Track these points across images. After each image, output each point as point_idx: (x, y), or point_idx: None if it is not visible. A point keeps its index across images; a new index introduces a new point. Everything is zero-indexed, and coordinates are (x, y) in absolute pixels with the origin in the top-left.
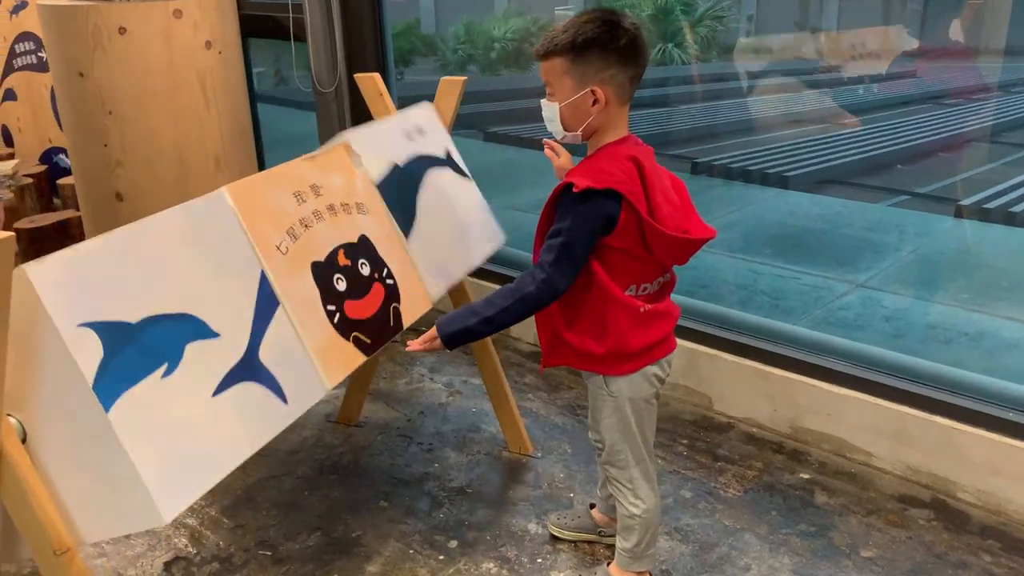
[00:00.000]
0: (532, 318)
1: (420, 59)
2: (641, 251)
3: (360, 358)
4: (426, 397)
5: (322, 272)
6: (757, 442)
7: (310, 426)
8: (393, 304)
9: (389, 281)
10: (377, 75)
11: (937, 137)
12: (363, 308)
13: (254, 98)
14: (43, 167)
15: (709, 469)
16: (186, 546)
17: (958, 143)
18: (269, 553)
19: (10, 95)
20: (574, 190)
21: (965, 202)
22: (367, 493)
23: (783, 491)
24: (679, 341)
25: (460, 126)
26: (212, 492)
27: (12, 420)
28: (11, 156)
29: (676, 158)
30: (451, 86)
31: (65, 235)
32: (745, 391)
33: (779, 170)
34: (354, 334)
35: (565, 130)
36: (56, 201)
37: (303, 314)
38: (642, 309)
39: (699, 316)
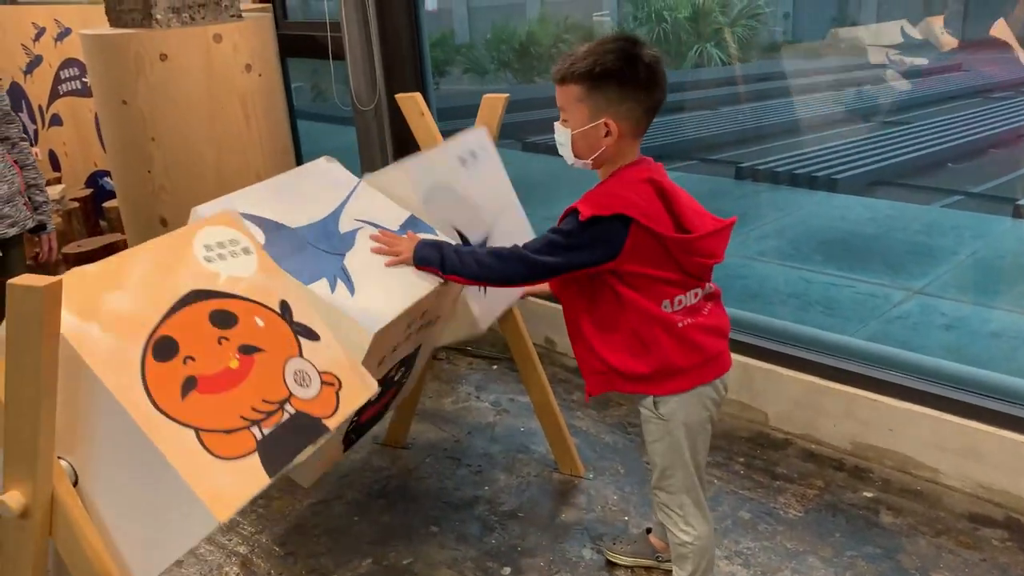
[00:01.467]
0: (569, 342)
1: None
2: (664, 271)
3: (339, 458)
4: (473, 416)
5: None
6: (816, 459)
7: (358, 449)
8: (392, 401)
9: (404, 381)
10: (418, 95)
11: (989, 133)
12: (372, 411)
13: (293, 115)
14: (89, 191)
15: (768, 488)
16: (238, 574)
17: (1011, 138)
18: None
19: (56, 120)
20: (580, 218)
21: (1022, 201)
22: (417, 518)
23: (846, 511)
24: (732, 356)
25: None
26: (263, 519)
27: (63, 463)
28: (58, 180)
29: (719, 163)
30: (493, 104)
31: None
32: (802, 406)
33: (827, 172)
34: (350, 436)
35: (576, 157)
36: (103, 224)
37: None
38: (681, 324)
39: (752, 329)
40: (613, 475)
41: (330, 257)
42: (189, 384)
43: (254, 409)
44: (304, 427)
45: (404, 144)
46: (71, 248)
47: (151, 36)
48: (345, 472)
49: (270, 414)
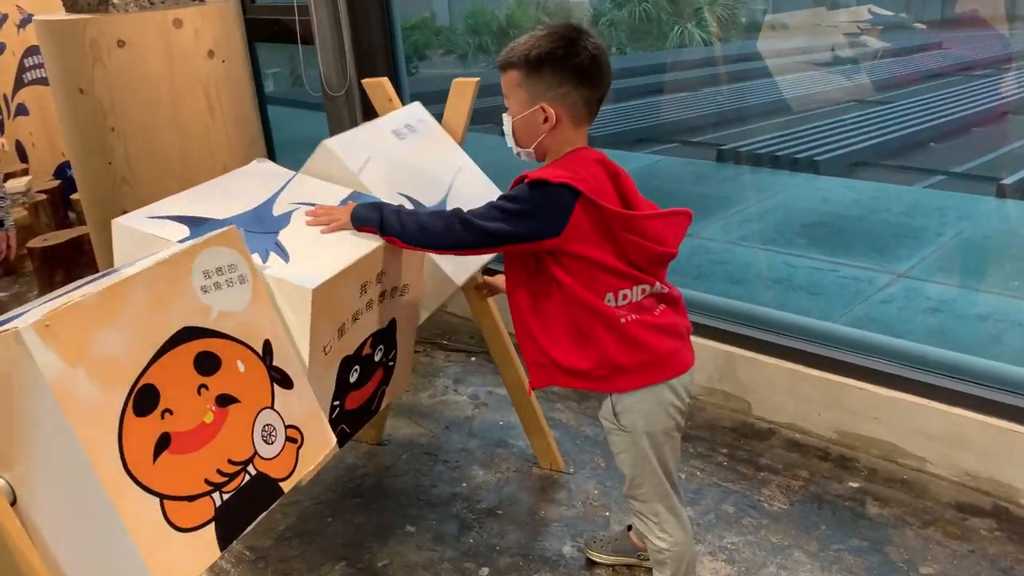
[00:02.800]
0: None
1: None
2: (608, 257)
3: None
4: (451, 410)
5: (345, 365)
6: (801, 449)
7: None
8: (383, 388)
9: (391, 364)
10: (386, 80)
11: (969, 112)
12: (360, 397)
13: (264, 101)
14: (56, 182)
15: (752, 480)
16: None
17: (993, 117)
18: None
19: (22, 110)
20: (527, 181)
21: (1008, 180)
22: (392, 518)
23: (832, 502)
24: (714, 344)
25: (476, 121)
26: None
27: (0, 480)
28: (25, 172)
29: (699, 145)
30: (463, 88)
31: (79, 252)
32: (786, 395)
33: (808, 154)
34: (341, 426)
35: (518, 146)
36: (71, 216)
37: None
38: (623, 320)
39: (734, 316)
40: (594, 469)
41: (262, 236)
42: (163, 443)
43: (219, 472)
44: (260, 492)
45: None
46: (37, 242)
47: (108, 21)
48: (318, 471)
49: (233, 476)
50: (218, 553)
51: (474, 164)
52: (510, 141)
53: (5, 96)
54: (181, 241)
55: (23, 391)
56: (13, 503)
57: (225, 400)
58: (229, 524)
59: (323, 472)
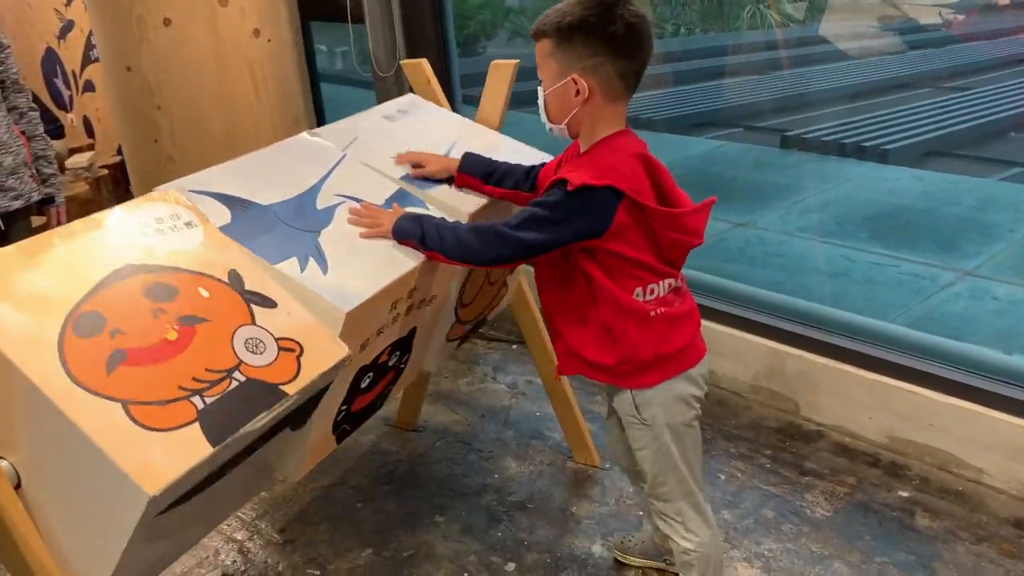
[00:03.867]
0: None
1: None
2: (645, 254)
3: (330, 450)
4: (488, 399)
5: (360, 374)
6: (849, 453)
7: (367, 430)
8: (390, 388)
9: (402, 367)
10: (424, 61)
11: None
12: (367, 399)
13: (316, 80)
14: (119, 158)
15: (795, 484)
16: (234, 562)
17: None
18: (317, 572)
19: (89, 87)
20: (568, 187)
21: None
22: (422, 506)
23: (879, 511)
24: (762, 341)
25: (514, 102)
26: (264, 503)
27: (3, 463)
28: (91, 147)
29: (764, 131)
30: (501, 70)
31: None
32: (837, 396)
33: (877, 142)
34: (343, 427)
35: (551, 121)
36: (132, 191)
37: (318, 419)
38: (652, 313)
39: (785, 312)
40: None
41: (303, 235)
42: (116, 357)
43: (195, 379)
44: (257, 395)
45: None
46: None
47: (154, 0)
48: (352, 456)
49: (214, 383)
50: (208, 448)
51: (479, 127)
52: (542, 115)
53: (74, 72)
54: (222, 228)
55: None
56: (18, 486)
57: (190, 320)
58: (218, 424)
59: (357, 457)
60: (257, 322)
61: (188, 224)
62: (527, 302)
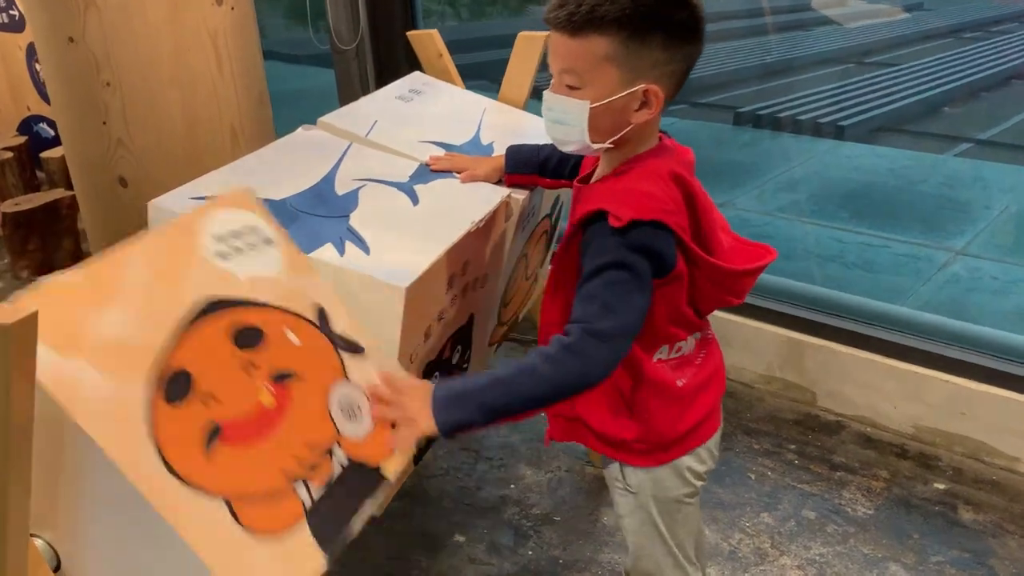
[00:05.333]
0: None
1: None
2: (681, 306)
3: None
4: None
5: (426, 373)
6: (875, 445)
7: None
8: None
9: (465, 366)
10: (435, 32)
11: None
12: None
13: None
14: (23, 138)
15: (828, 481)
16: None
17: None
18: None
19: None
20: (613, 223)
21: None
22: (439, 525)
23: (920, 506)
24: (774, 329)
25: (470, 76)
26: None
27: (38, 542)
28: None
29: (714, 107)
30: (530, 43)
31: (55, 218)
32: (857, 385)
33: (832, 119)
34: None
35: (593, 140)
36: (40, 175)
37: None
38: (679, 383)
39: (797, 299)
40: None
41: (330, 221)
42: (213, 433)
43: (296, 459)
44: (358, 481)
45: None
46: (8, 207)
47: None
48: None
49: (316, 466)
50: (323, 563)
51: (504, 105)
52: (570, 133)
53: None
54: None
55: None
56: (57, 568)
57: (282, 377)
58: (329, 525)
59: None
60: (349, 376)
61: (266, 241)
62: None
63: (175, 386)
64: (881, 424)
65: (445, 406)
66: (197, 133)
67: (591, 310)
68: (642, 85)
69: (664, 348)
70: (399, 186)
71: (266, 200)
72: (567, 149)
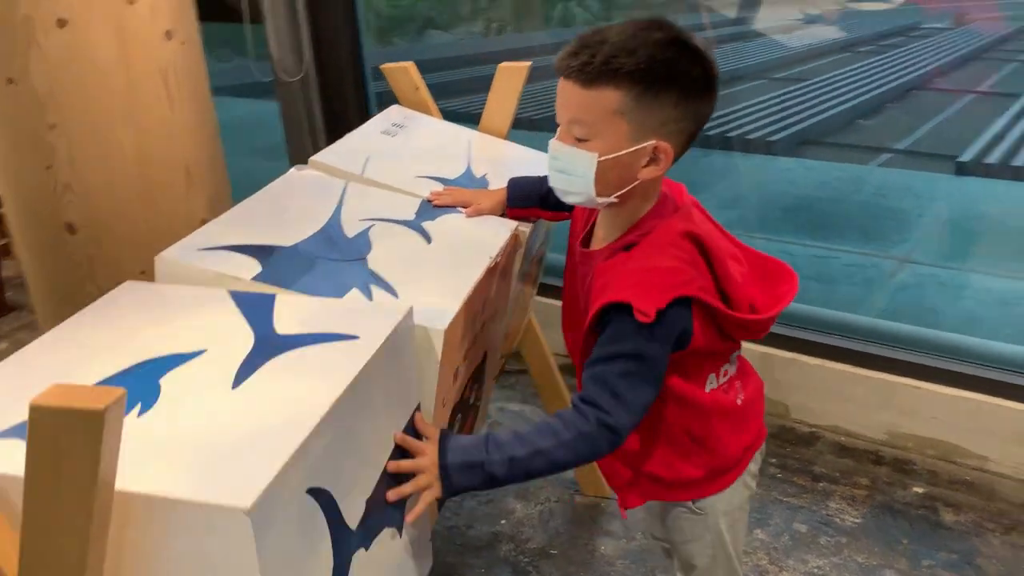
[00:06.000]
0: None
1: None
2: (713, 343)
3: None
4: None
5: (452, 417)
6: (852, 453)
7: None
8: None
9: (478, 403)
10: (412, 65)
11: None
12: None
13: None
14: None
15: (813, 493)
16: None
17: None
18: None
19: None
20: (640, 319)
21: (965, 158)
22: (434, 571)
23: (903, 511)
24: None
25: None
26: None
27: None
28: None
29: None
30: (511, 74)
31: None
32: (829, 396)
33: (761, 134)
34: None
35: (599, 194)
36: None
37: None
38: (739, 400)
39: None
40: None
41: (349, 264)
42: None
43: None
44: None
45: (338, 118)
46: None
47: None
48: None
49: None
50: None
51: (488, 136)
52: (574, 185)
53: None
54: (255, 278)
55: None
56: None
57: None
58: None
59: None
60: None
61: None
62: (533, 329)
63: None
64: (855, 432)
65: (454, 467)
66: (150, 173)
67: (604, 398)
68: (652, 141)
69: (712, 377)
70: (408, 224)
71: (278, 247)
72: (570, 200)
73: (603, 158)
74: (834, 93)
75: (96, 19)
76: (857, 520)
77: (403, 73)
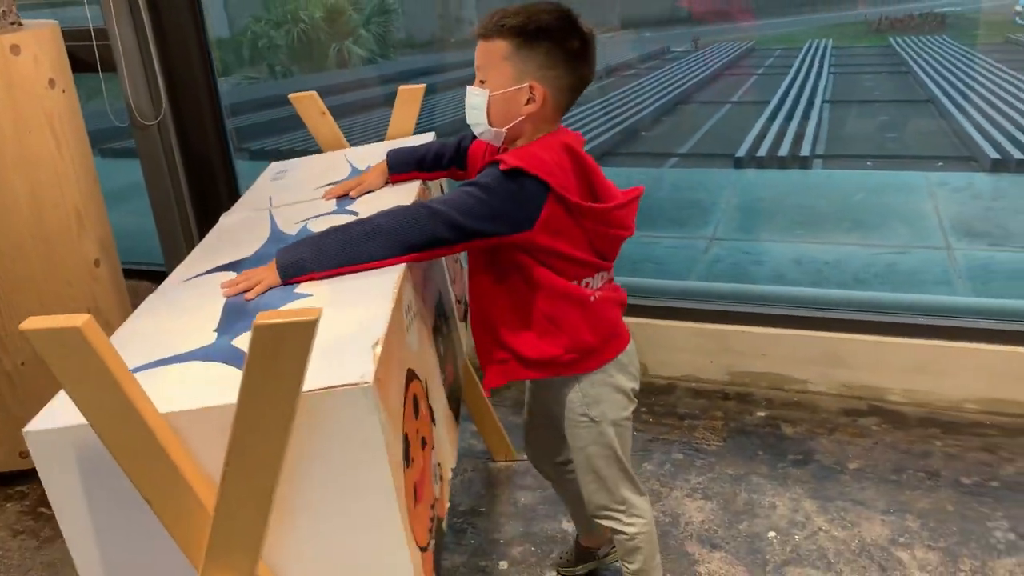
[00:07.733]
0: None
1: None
2: (580, 250)
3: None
4: None
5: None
6: (704, 394)
7: None
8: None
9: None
10: (315, 94)
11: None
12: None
13: None
14: None
15: (681, 429)
16: None
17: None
18: None
19: None
20: (502, 167)
21: (741, 154)
22: None
23: (754, 432)
24: None
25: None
26: None
27: None
28: None
29: None
30: (410, 96)
31: None
32: (675, 350)
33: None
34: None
35: (489, 124)
36: None
37: None
38: (592, 297)
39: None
40: None
41: None
42: (413, 495)
43: (429, 529)
44: (440, 545)
45: (198, 160)
46: None
47: None
48: None
49: (433, 531)
50: None
51: (382, 146)
52: (477, 117)
53: None
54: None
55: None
56: None
57: (423, 443)
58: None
59: None
60: (435, 443)
61: (417, 315)
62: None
63: (404, 449)
64: (703, 377)
65: (283, 253)
66: (43, 217)
67: (446, 199)
68: (528, 82)
69: (574, 282)
70: (335, 212)
71: (240, 260)
72: (477, 131)
73: (493, 93)
74: (615, 112)
75: None
76: (720, 443)
77: (309, 100)
